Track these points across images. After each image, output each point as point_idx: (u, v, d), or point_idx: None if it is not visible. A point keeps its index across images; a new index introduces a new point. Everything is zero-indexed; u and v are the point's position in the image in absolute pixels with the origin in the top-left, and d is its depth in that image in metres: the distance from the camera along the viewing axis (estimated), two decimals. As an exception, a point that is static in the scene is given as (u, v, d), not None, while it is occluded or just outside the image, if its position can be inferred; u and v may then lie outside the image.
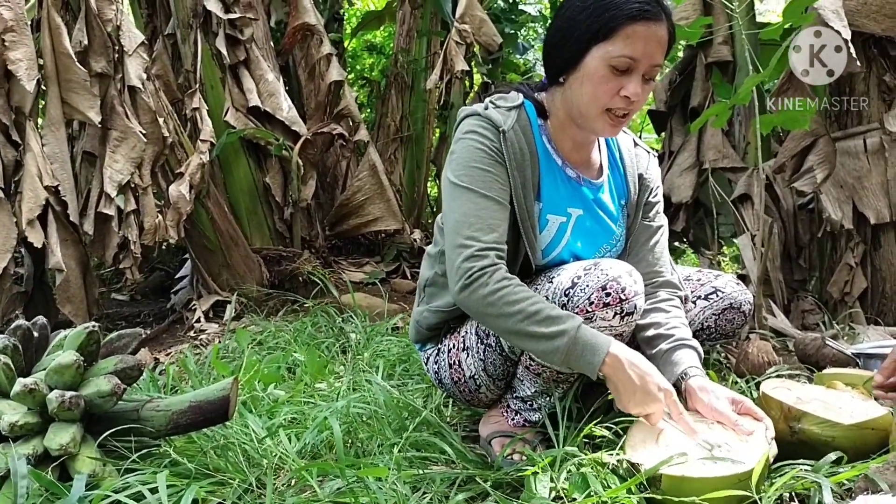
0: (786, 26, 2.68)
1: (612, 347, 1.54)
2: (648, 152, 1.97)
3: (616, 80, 1.64)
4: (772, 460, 1.51)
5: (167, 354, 3.29)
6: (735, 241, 3.41)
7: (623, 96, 1.65)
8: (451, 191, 1.72)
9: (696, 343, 1.77)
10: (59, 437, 1.55)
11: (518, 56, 6.07)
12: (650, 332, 1.81)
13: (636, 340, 1.84)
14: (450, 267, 1.67)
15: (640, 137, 2.09)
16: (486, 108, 1.76)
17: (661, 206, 1.97)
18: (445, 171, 1.76)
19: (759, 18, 5.32)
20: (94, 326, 1.71)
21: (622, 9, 1.60)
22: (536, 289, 1.73)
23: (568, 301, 1.63)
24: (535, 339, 1.56)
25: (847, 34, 2.89)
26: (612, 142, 1.92)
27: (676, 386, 1.68)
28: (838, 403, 1.68)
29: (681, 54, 4.11)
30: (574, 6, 1.67)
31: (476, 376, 1.84)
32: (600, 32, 1.62)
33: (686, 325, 1.81)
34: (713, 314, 1.94)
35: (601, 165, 1.89)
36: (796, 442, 1.62)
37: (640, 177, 1.91)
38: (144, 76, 3.51)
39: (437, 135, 5.98)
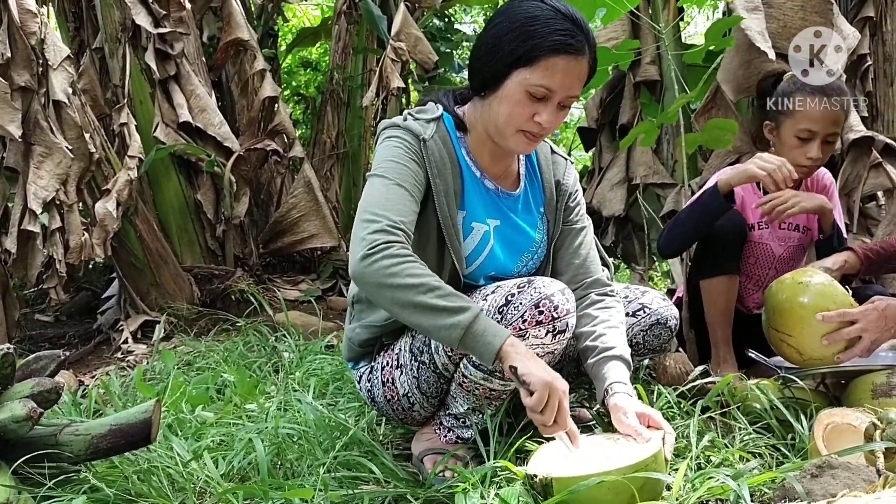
0: (710, 48, 2.76)
1: (511, 337, 1.55)
2: (565, 159, 2.01)
3: (532, 105, 1.67)
4: (668, 459, 1.55)
5: (93, 377, 3.19)
6: (665, 255, 3.48)
7: (536, 121, 1.69)
8: (367, 182, 1.73)
9: (621, 350, 1.78)
10: (-30, 465, 1.49)
11: (454, 74, 6.12)
12: (581, 344, 1.83)
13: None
14: (354, 238, 1.62)
15: (570, 153, 2.12)
16: (405, 120, 1.79)
17: (582, 209, 2.01)
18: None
19: (686, 40, 5.48)
20: (8, 348, 1.65)
21: (546, 39, 1.63)
22: None
23: (501, 318, 1.65)
24: (436, 311, 1.53)
25: (772, 55, 2.99)
26: None
27: (603, 403, 1.72)
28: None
29: (611, 72, 4.20)
30: (502, 26, 1.69)
31: (409, 394, 1.83)
32: (522, 58, 1.64)
33: (615, 325, 1.84)
34: (641, 330, 1.98)
35: (519, 175, 1.92)
36: None
37: (558, 183, 1.95)
38: (70, 90, 3.43)
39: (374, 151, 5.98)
